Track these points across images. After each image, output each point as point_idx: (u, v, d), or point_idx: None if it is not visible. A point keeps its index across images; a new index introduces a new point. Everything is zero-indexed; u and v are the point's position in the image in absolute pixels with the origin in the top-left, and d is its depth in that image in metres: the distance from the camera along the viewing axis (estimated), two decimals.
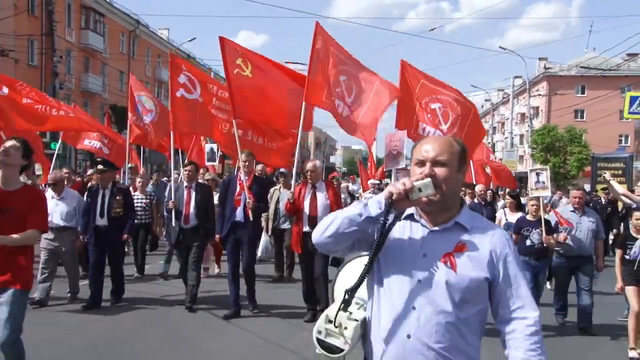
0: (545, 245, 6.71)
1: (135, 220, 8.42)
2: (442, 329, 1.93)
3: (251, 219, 6.90)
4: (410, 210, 2.06)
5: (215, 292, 8.21)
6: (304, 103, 7.31)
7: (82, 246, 7.54)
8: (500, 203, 11.42)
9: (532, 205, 6.95)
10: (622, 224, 10.68)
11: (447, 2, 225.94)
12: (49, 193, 7.16)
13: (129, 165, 12.45)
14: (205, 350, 5.71)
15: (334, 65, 7.56)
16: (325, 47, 7.48)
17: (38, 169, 11.07)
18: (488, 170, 15.11)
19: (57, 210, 7.14)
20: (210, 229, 7.36)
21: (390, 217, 1.96)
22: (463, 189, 10.77)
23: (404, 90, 8.16)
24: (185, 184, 7.54)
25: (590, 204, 11.26)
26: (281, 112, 7.77)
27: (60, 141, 12.48)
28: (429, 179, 1.92)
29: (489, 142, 36.20)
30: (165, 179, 13.77)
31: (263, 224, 8.54)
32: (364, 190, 14.20)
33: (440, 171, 1.97)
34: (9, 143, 3.92)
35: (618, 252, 6.31)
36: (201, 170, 9.57)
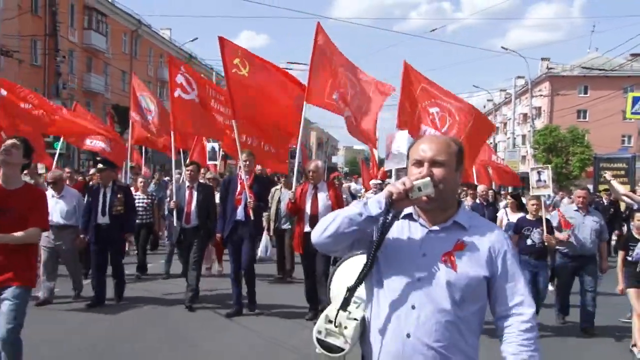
0: (546, 244, 6.70)
1: (137, 220, 8.44)
2: (442, 327, 1.94)
3: (252, 218, 6.92)
4: (408, 209, 2.07)
5: (216, 291, 8.23)
6: (305, 104, 7.34)
7: (82, 244, 7.56)
8: (502, 203, 11.42)
9: (533, 204, 6.94)
10: (625, 225, 10.69)
11: (449, 2, 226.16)
12: (49, 192, 7.18)
13: (130, 164, 12.48)
14: (205, 350, 5.72)
15: (337, 66, 7.59)
16: (326, 48, 7.50)
17: (41, 168, 11.11)
18: (490, 170, 15.09)
19: (57, 208, 7.17)
20: (211, 228, 7.39)
21: (390, 217, 1.96)
22: (464, 189, 10.78)
23: (406, 91, 8.18)
24: (187, 183, 7.57)
25: (593, 205, 11.25)
26: (280, 111, 7.80)
27: (62, 141, 12.49)
28: (428, 178, 1.93)
29: (491, 142, 36.11)
30: (167, 178, 13.81)
31: (264, 223, 8.57)
32: (366, 190, 14.22)
33: (438, 171, 1.98)
34: (9, 142, 3.93)
35: (620, 253, 6.29)
36: (202, 170, 9.59)
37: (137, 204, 8.62)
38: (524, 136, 50.62)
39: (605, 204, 13.17)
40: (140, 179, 10.20)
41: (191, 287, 7.24)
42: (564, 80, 47.74)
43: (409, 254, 2.01)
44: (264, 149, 8.12)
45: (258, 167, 9.17)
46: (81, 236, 7.39)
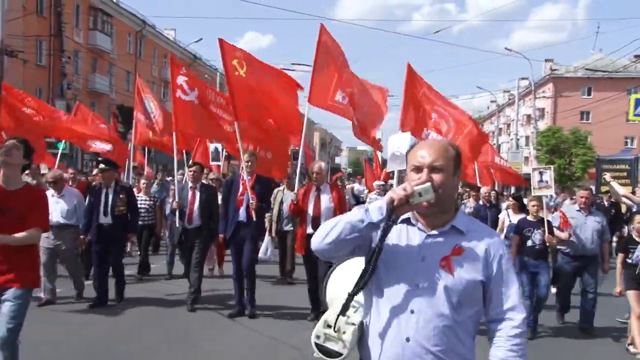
0: (547, 244, 6.72)
1: (139, 222, 8.49)
2: (440, 332, 1.97)
3: (254, 219, 6.95)
4: (406, 214, 2.09)
5: (218, 292, 8.26)
6: (307, 104, 7.39)
7: (83, 244, 7.59)
8: (504, 204, 11.41)
9: (533, 205, 6.96)
10: (626, 227, 10.67)
11: (453, 3, 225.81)
12: (49, 191, 7.19)
13: (133, 164, 12.52)
14: (205, 350, 5.74)
15: (344, 66, 7.63)
16: (330, 49, 7.54)
17: (44, 168, 11.17)
18: (492, 171, 15.06)
19: (57, 208, 7.17)
20: (214, 229, 7.41)
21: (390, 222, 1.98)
22: (467, 190, 10.80)
23: (409, 93, 8.22)
24: (190, 184, 7.61)
25: (594, 206, 11.25)
26: (280, 110, 7.85)
27: (65, 141, 12.55)
28: (428, 184, 1.95)
29: (494, 143, 36.07)
30: (169, 178, 13.86)
31: (266, 224, 8.59)
32: (369, 191, 14.22)
33: (437, 177, 2.00)
34: (10, 143, 3.92)
35: (620, 256, 6.29)
36: (205, 170, 9.63)
37: (139, 205, 8.65)
38: (527, 137, 50.53)
39: (606, 205, 13.16)
40: (143, 180, 10.23)
41: (193, 288, 7.29)
42: (568, 82, 47.66)
43: (407, 258, 2.03)
44: (261, 155, 8.15)
45: None
46: (82, 236, 7.42)
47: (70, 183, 8.89)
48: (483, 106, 77.68)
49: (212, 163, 13.35)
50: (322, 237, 2.03)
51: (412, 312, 1.98)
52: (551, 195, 8.40)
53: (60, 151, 11.85)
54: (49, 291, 7.20)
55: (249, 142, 8.07)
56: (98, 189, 7.51)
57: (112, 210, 7.27)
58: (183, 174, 10.19)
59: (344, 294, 2.07)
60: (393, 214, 1.95)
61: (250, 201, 6.88)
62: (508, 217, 8.47)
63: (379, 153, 15.43)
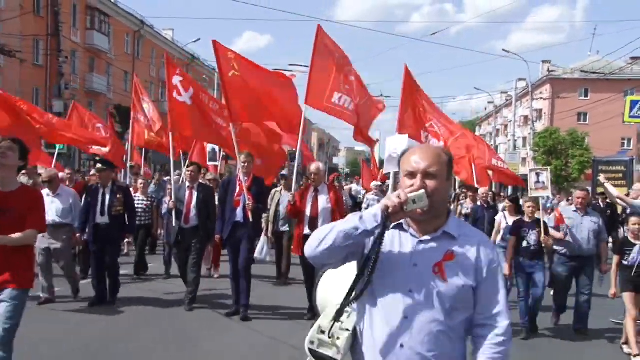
0: (543, 245, 6.74)
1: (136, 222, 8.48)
2: (434, 337, 1.98)
3: (251, 219, 6.96)
4: None
5: (215, 291, 8.28)
6: (304, 105, 7.39)
7: (79, 244, 7.57)
8: (501, 205, 11.43)
9: (529, 206, 6.98)
10: (622, 228, 10.70)
11: (451, 4, 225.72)
12: (45, 191, 7.16)
13: (130, 164, 12.51)
14: (205, 350, 5.75)
15: (340, 68, 7.63)
16: (328, 50, 7.53)
17: (41, 168, 11.14)
18: (490, 173, 15.07)
19: (52, 207, 7.13)
20: (211, 229, 7.41)
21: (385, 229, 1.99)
22: (464, 190, 10.82)
23: (407, 95, 8.24)
24: (187, 184, 7.62)
25: (590, 207, 11.28)
26: (279, 111, 7.85)
27: None
28: (422, 191, 1.95)
29: (492, 144, 36.22)
30: (167, 178, 13.84)
31: (263, 225, 8.60)
32: (366, 192, 14.26)
33: (431, 183, 2.00)
34: (5, 144, 3.88)
35: (615, 257, 6.31)
36: (202, 171, 9.63)
37: (136, 205, 8.65)
38: (524, 138, 50.64)
39: (602, 206, 13.18)
40: (140, 181, 10.23)
41: (190, 289, 7.30)
42: (565, 83, 47.78)
43: (400, 264, 2.03)
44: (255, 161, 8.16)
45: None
46: (77, 235, 7.42)
47: (67, 183, 8.89)
48: (481, 107, 77.95)
49: (209, 163, 13.33)
50: (315, 245, 2.03)
51: (405, 317, 1.99)
52: (548, 197, 8.43)
53: (57, 151, 11.84)
54: (47, 290, 7.20)
55: (244, 148, 8.08)
56: (95, 188, 7.51)
57: (109, 210, 7.28)
58: (180, 174, 10.19)
59: (336, 300, 2.07)
60: (388, 221, 1.95)
61: (247, 202, 6.89)
62: (505, 218, 8.47)
63: (376, 154, 15.47)
